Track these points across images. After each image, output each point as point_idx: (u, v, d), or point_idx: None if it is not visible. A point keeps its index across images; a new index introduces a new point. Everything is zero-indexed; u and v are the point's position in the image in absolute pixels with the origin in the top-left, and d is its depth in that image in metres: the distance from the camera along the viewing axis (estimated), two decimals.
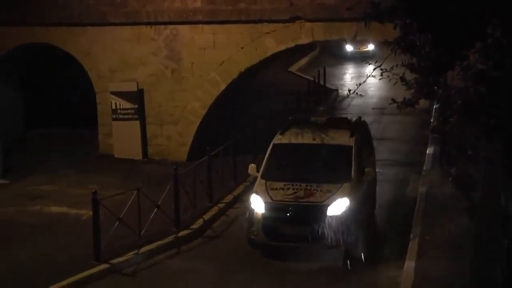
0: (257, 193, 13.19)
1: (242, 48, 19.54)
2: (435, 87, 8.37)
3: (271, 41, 19.33)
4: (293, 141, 14.16)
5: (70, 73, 22.79)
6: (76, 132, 22.49)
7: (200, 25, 19.75)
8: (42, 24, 20.65)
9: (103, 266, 12.65)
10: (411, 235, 13.40)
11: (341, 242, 12.45)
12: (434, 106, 20.04)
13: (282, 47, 19.49)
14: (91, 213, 13.01)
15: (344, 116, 26.01)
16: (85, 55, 20.81)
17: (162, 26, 20.04)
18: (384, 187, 17.30)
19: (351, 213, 12.73)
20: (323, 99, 28.51)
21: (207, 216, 15.24)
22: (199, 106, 20.13)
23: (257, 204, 13.00)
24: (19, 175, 18.50)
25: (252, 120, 20.83)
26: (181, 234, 14.23)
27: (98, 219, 12.81)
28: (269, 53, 19.55)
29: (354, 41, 36.10)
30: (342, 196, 12.87)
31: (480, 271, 8.54)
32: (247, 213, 13.21)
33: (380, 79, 9.58)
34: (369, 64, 10.69)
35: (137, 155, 20.19)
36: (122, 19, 20.19)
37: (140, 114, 20.33)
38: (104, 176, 18.11)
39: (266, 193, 13.08)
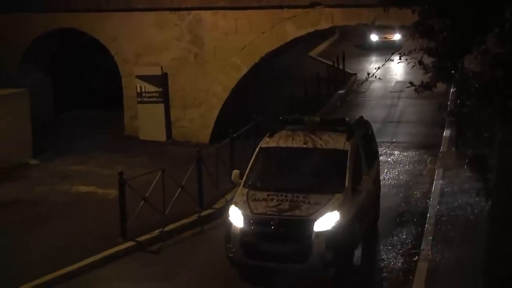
0: (236, 204, 11.16)
1: (263, 33, 19.44)
2: (453, 71, 8.27)
3: (291, 26, 19.21)
4: (282, 144, 12.09)
5: (96, 58, 22.86)
6: (103, 115, 22.57)
7: (222, 11, 19.66)
8: (70, 10, 20.69)
9: (129, 243, 12.72)
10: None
11: (331, 262, 10.62)
12: (451, 90, 19.88)
13: (302, 32, 19.35)
14: (117, 192, 13.07)
15: (363, 98, 26.08)
16: (111, 40, 20.84)
17: (186, 12, 19.98)
18: (401, 168, 17.23)
19: (342, 228, 10.71)
20: (342, 83, 28.35)
21: (229, 196, 15.23)
22: (221, 90, 20.10)
23: (236, 217, 10.95)
24: (49, 156, 18.60)
25: (273, 103, 20.77)
26: (204, 213, 14.26)
27: (124, 198, 12.87)
28: (289, 38, 19.43)
29: (379, 30, 34.71)
30: (331, 209, 10.82)
31: (496, 251, 8.49)
32: (226, 227, 11.26)
33: (398, 63, 9.48)
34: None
35: (161, 137, 20.23)
36: (147, 5, 20.18)
37: (164, 97, 20.35)
38: (129, 157, 18.17)
39: (246, 204, 11.04)
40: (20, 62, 21.65)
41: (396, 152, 18.71)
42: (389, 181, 16.35)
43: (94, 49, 21.91)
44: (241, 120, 17.79)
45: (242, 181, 11.72)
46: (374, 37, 36.46)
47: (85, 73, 23.47)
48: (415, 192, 15.48)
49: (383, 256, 12.12)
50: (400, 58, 9.12)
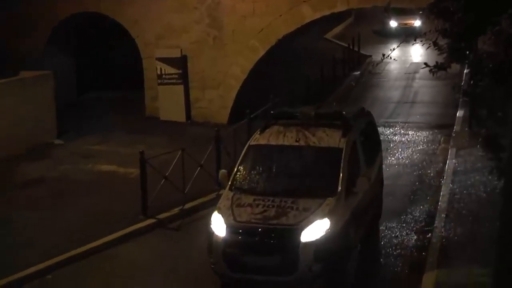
0: (219, 211, 9.92)
1: (280, 15, 19.33)
2: (467, 52, 8.18)
3: (308, 9, 19.08)
4: (272, 142, 10.71)
5: (119, 41, 22.89)
6: (124, 96, 22.63)
7: None
8: None
9: (150, 220, 12.80)
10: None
11: (320, 274, 9.46)
12: (465, 71, 19.71)
13: (318, 15, 19.21)
14: (138, 171, 13.14)
15: (378, 78, 25.88)
16: (133, 24, 20.83)
17: None
18: (415, 148, 17.16)
19: (333, 237, 9.45)
20: (357, 64, 28.21)
21: None
22: (240, 71, 20.05)
23: (218, 226, 9.71)
24: (73, 136, 18.71)
25: (290, 84, 20.72)
26: (222, 191, 14.27)
27: (145, 177, 12.93)
28: (305, 21, 19.30)
29: (399, 16, 33.50)
30: (321, 216, 9.54)
31: (509, 228, 8.45)
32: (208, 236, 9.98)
33: (413, 44, 9.40)
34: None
35: (181, 117, 20.25)
36: None
37: (184, 79, 20.33)
38: (150, 137, 18.23)
39: (230, 211, 9.81)
40: (45, 45, 21.73)
41: (410, 132, 18.61)
42: (403, 160, 16.28)
43: (117, 32, 21.92)
44: (258, 100, 17.77)
45: (228, 183, 10.46)
46: (393, 23, 34.85)
47: (107, 56, 23.53)
48: (429, 171, 15.41)
49: (397, 233, 12.08)
50: (415, 40, 9.01)
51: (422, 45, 8.88)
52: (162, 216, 12.92)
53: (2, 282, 10.42)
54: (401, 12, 33.09)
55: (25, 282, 10.66)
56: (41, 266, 10.95)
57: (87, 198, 13.99)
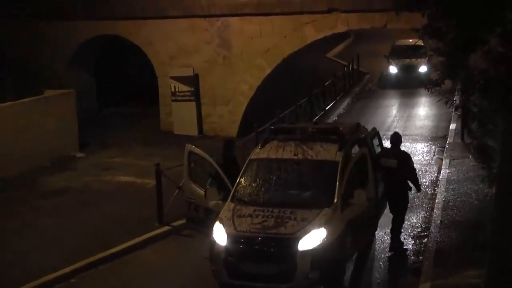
0: (221, 221, 9.76)
1: (285, 36, 19.44)
2: (459, 69, 8.21)
3: (311, 30, 19.19)
4: (272, 156, 10.61)
5: (135, 61, 23.05)
6: (141, 112, 22.72)
7: (248, 17, 19.68)
8: (110, 18, 20.87)
9: (166, 228, 12.83)
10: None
11: (317, 282, 9.33)
12: (457, 87, 19.72)
13: (321, 35, 19.35)
14: (154, 182, 13.18)
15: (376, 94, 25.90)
16: (147, 45, 20.97)
17: (215, 18, 20.03)
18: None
19: (329, 246, 9.29)
20: (357, 80, 28.29)
21: None
22: (247, 88, 20.14)
23: (219, 235, 9.59)
24: (94, 149, 18.81)
25: (294, 99, 20.78)
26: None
27: (161, 187, 12.98)
28: (309, 41, 19.42)
29: (400, 55, 26.42)
30: (318, 226, 9.38)
31: (500, 233, 8.45)
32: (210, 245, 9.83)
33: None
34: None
35: (194, 131, 20.32)
36: (179, 13, 20.26)
37: (196, 96, 20.44)
38: (165, 150, 18.28)
39: (231, 221, 9.67)
40: (67, 64, 21.90)
41: (407, 144, 18.62)
42: None
43: (133, 53, 22.09)
44: (266, 115, 17.80)
45: (230, 195, 10.24)
46: (393, 69, 26.77)
47: (125, 74, 23.70)
48: (424, 180, 15.38)
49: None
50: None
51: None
52: (176, 223, 12.92)
53: (29, 286, 10.45)
54: (403, 54, 26.34)
55: (50, 286, 10.68)
56: (65, 270, 10.98)
57: (107, 207, 14.04)
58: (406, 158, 11.42)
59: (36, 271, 10.85)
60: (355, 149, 10.98)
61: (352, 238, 9.94)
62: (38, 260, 11.34)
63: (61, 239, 12.26)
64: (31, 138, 16.73)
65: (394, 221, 11.44)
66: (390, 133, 19.49)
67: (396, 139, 11.51)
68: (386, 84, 26.84)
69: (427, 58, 25.66)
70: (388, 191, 11.39)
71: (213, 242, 9.70)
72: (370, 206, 10.41)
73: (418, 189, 11.58)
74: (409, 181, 11.31)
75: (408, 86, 25.32)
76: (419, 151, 17.88)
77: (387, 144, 18.25)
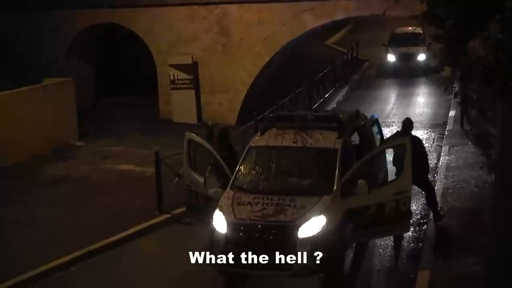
0: (220, 209, 9.72)
1: (284, 24, 19.38)
2: (458, 56, 8.19)
3: (310, 17, 19.12)
4: (271, 143, 10.53)
5: (135, 49, 22.97)
6: (140, 100, 22.68)
7: (247, 4, 19.62)
8: (109, 6, 20.78)
9: (165, 216, 12.84)
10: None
11: (317, 269, 9.26)
12: (457, 74, 19.67)
13: (319, 23, 19.29)
14: (154, 170, 13.18)
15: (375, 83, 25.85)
16: (146, 33, 20.90)
17: (213, 6, 19.96)
18: None
19: (329, 233, 9.25)
20: (356, 68, 28.23)
21: None
22: (246, 76, 20.10)
23: (219, 223, 9.56)
24: (93, 138, 18.80)
25: (294, 87, 20.74)
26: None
27: (160, 175, 12.98)
28: (308, 28, 19.37)
29: (398, 45, 26.22)
30: (317, 214, 9.33)
31: (499, 219, 8.47)
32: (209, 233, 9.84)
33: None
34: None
35: (193, 119, 20.31)
36: (178, 0, 20.20)
37: (195, 84, 20.41)
38: (164, 138, 18.22)
39: (230, 209, 9.64)
40: (66, 53, 21.84)
41: None
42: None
43: (133, 41, 22.02)
44: (265, 103, 17.78)
45: (230, 183, 10.19)
46: (391, 57, 26.53)
47: (125, 63, 23.65)
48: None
49: None
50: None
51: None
52: (176, 211, 12.92)
53: (31, 274, 10.49)
54: (401, 43, 26.28)
55: (50, 274, 10.72)
56: (65, 258, 11.01)
57: (107, 195, 14.04)
58: (418, 142, 11.66)
59: (36, 259, 10.87)
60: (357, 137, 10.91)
61: (353, 226, 9.86)
62: (38, 248, 11.37)
63: (60, 228, 12.28)
64: (30, 127, 16.72)
65: (426, 199, 11.96)
66: (390, 120, 19.81)
67: (408, 123, 11.68)
68: (385, 73, 26.68)
69: (425, 47, 25.43)
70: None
71: (213, 230, 9.66)
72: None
73: (426, 170, 11.82)
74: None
75: (407, 75, 25.32)
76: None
77: (386, 131, 18.29)
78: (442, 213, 11.81)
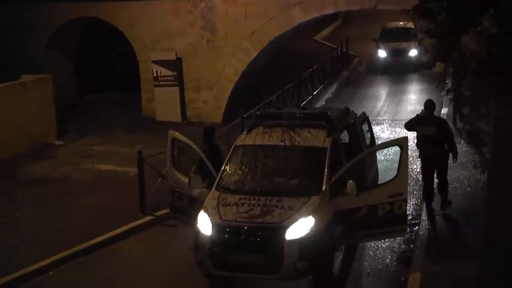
0: (205, 210, 9.61)
1: (272, 18, 19.34)
2: (451, 51, 8.20)
3: (298, 11, 19.10)
4: (258, 142, 10.41)
5: (117, 45, 22.86)
6: (123, 98, 22.56)
7: None
8: (91, 0, 20.67)
9: (148, 217, 12.77)
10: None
11: (306, 272, 9.21)
12: (449, 70, 19.75)
13: (308, 17, 19.26)
14: (136, 170, 13.11)
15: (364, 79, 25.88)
16: (129, 28, 20.80)
17: (198, 0, 19.89)
18: None
19: (318, 235, 9.17)
20: (346, 63, 28.28)
21: None
22: (233, 73, 20.05)
23: (204, 224, 9.45)
24: (73, 137, 18.67)
25: (281, 84, 20.72)
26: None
27: (143, 175, 12.90)
28: (296, 23, 19.33)
29: (389, 41, 26.05)
30: (306, 215, 9.24)
31: (492, 218, 8.48)
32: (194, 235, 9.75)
33: None
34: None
35: (177, 118, 20.22)
36: None
37: (179, 81, 20.32)
38: (147, 136, 18.18)
39: (216, 210, 9.53)
40: (45, 48, 21.67)
41: (397, 129, 18.65)
42: (391, 156, 16.28)
43: (119, 36, 21.91)
44: (252, 100, 17.74)
45: (215, 183, 10.10)
46: (382, 53, 26.65)
47: (107, 59, 23.53)
48: (415, 167, 15.40)
49: None
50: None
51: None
52: (159, 213, 12.85)
53: (6, 279, 10.37)
54: (392, 38, 26.07)
55: (29, 279, 10.59)
56: (45, 262, 10.88)
57: (87, 196, 13.95)
58: (444, 124, 11.99)
59: (15, 263, 10.75)
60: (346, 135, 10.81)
61: (342, 227, 9.78)
62: (18, 252, 11.24)
63: (41, 230, 12.17)
64: (7, 125, 16.54)
65: (439, 186, 12.16)
66: (380, 118, 19.85)
67: (430, 105, 11.83)
68: (375, 69, 26.64)
69: (417, 42, 25.49)
70: (426, 159, 12.02)
71: (197, 232, 9.57)
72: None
73: (455, 154, 12.01)
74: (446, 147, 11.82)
75: (398, 71, 25.36)
76: (410, 136, 17.85)
77: (376, 129, 18.32)
78: (449, 199, 12.09)
